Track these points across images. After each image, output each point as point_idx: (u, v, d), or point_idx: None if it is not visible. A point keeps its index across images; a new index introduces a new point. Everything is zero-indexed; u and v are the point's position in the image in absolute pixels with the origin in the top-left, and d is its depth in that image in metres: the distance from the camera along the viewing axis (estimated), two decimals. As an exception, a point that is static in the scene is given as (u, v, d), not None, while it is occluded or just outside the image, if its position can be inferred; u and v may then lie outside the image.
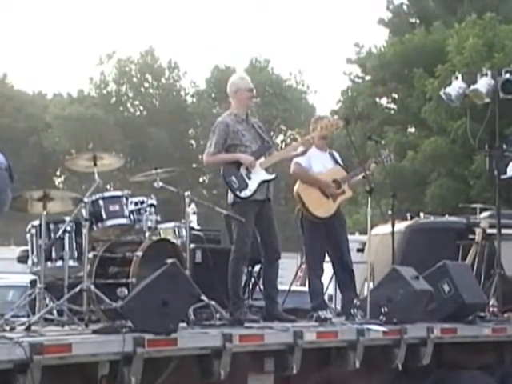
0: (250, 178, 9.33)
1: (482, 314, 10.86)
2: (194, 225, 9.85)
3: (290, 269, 13.57)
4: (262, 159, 9.43)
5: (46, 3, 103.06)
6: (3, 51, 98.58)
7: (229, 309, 8.95)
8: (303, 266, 18.58)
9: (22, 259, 9.97)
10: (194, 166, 56.04)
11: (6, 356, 6.12)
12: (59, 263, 9.02)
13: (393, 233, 12.07)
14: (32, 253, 9.39)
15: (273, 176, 9.49)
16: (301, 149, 10.18)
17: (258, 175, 9.36)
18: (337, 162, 11.11)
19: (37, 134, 58.97)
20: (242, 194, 9.32)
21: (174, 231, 9.72)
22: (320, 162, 10.89)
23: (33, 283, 9.63)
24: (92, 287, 8.49)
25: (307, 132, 11.15)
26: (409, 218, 18.39)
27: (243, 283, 9.66)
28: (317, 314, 10.02)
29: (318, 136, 10.58)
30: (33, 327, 7.77)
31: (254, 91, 9.94)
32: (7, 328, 7.68)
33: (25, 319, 8.29)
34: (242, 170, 9.34)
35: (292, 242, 21.35)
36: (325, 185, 10.70)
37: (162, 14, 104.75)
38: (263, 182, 9.39)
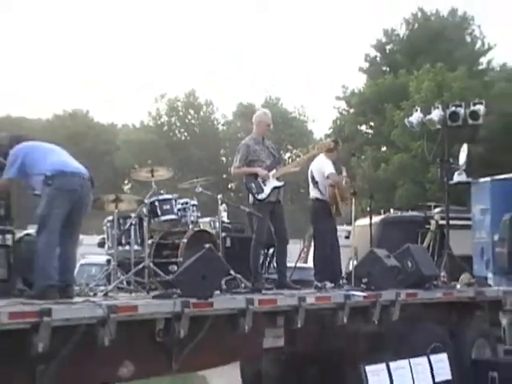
0: (265, 185, 9.34)
1: (435, 283, 10.85)
2: (225, 219, 9.85)
3: (295, 251, 13.56)
4: (274, 171, 9.43)
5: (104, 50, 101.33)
6: (87, 92, 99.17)
7: (250, 280, 8.95)
8: (305, 249, 18.69)
9: (101, 244, 10.03)
10: (224, 176, 55.95)
11: (91, 314, 6.19)
12: (127, 247, 9.10)
13: (370, 224, 12.10)
14: (107, 240, 9.46)
15: (282, 183, 9.49)
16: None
17: (271, 183, 9.37)
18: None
19: (110, 154, 59.08)
20: (259, 197, 9.34)
21: (210, 224, 9.74)
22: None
23: (108, 262, 9.67)
24: (151, 265, 8.59)
25: (307, 151, 11.24)
26: (382, 213, 18.46)
27: (261, 262, 9.66)
28: (315, 284, 10.07)
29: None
30: (109, 294, 7.91)
31: (272, 126, 9.94)
32: (91, 294, 7.81)
33: (103, 288, 8.40)
34: (259, 179, 9.35)
35: (296, 232, 21.37)
36: (344, 189, 10.78)
37: (201, 64, 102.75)
38: (275, 188, 9.40)
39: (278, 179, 9.44)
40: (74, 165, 7.34)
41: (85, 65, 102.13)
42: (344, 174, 11.04)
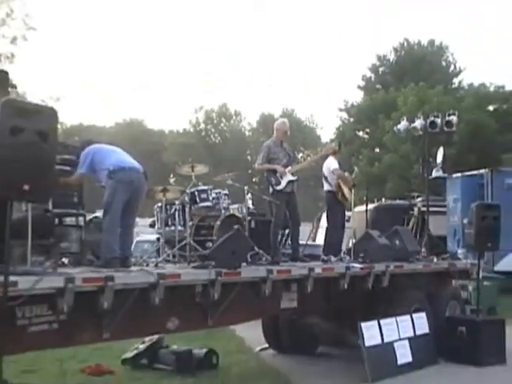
0: (282, 179, 9.30)
1: (417, 257, 10.81)
2: (250, 206, 9.82)
3: (305, 231, 13.53)
4: (289, 168, 9.40)
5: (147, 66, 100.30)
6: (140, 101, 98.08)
7: (270, 255, 8.94)
8: (314, 230, 18.66)
9: (152, 225, 10.03)
10: (249, 171, 55.88)
11: (144, 280, 6.23)
12: (172, 228, 9.08)
13: (366, 210, 12.09)
14: (157, 222, 9.48)
15: (296, 178, 9.45)
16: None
17: (287, 177, 9.33)
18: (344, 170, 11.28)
19: (159, 154, 59.19)
20: (277, 188, 9.30)
21: (238, 209, 9.70)
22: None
23: (158, 239, 9.69)
24: (191, 242, 8.57)
25: (316, 152, 11.28)
26: (376, 201, 18.38)
27: (279, 240, 9.64)
28: (322, 257, 10.08)
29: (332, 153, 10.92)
30: (159, 264, 7.93)
31: (289, 132, 9.91)
32: (144, 264, 7.85)
33: (154, 260, 8.44)
34: (277, 174, 9.34)
35: (307, 216, 21.30)
36: (349, 182, 10.93)
37: (231, 76, 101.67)
38: (290, 181, 9.36)
39: (292, 174, 9.40)
40: (131, 161, 7.37)
41: (81, 65, 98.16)
42: (346, 174, 11.22)
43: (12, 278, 4.97)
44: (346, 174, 11.21)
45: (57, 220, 7.64)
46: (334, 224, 10.92)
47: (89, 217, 8.11)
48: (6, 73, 6.63)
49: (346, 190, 10.82)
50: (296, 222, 9.59)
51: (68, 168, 7.49)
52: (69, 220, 7.94)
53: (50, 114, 5.32)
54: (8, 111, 4.95)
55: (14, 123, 4.92)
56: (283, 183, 9.29)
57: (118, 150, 7.56)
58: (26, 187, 4.92)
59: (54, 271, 5.74)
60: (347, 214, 11.44)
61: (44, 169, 5.11)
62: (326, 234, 11.08)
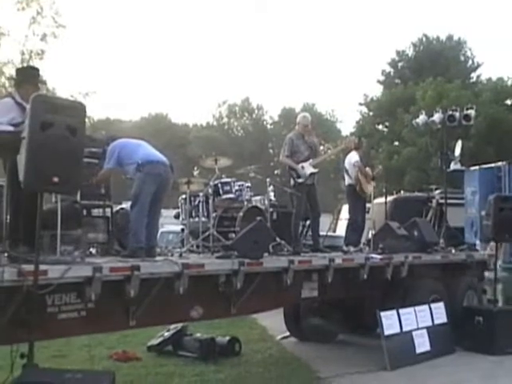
0: (303, 171, 9.30)
1: (435, 248, 10.76)
2: (272, 198, 9.81)
3: (325, 223, 13.51)
4: (311, 160, 9.38)
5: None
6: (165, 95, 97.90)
7: (292, 245, 8.93)
8: (334, 221, 18.60)
9: (176, 216, 10.05)
10: (271, 164, 55.95)
11: (169, 269, 6.24)
12: (196, 219, 9.10)
13: (385, 202, 12.04)
14: (182, 213, 9.53)
15: (317, 170, 9.41)
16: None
17: (308, 169, 9.30)
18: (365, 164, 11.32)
19: (184, 147, 59.20)
20: (299, 180, 9.27)
21: (260, 201, 9.69)
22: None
23: (182, 230, 9.73)
24: (215, 232, 8.57)
25: (336, 145, 11.30)
26: (395, 193, 18.27)
27: (300, 231, 9.62)
28: (343, 248, 10.06)
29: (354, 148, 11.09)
30: (183, 254, 7.96)
31: (310, 126, 9.87)
32: (169, 254, 7.85)
33: (178, 250, 8.46)
34: (299, 166, 9.31)
35: (327, 208, 21.25)
36: (368, 176, 11.01)
37: (254, 71, 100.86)
38: (311, 173, 9.34)
39: (313, 167, 9.39)
40: (158, 155, 7.39)
41: (108, 61, 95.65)
42: (367, 168, 11.23)
43: (42, 267, 5.02)
44: (367, 168, 11.21)
45: (85, 211, 7.69)
46: (355, 216, 10.91)
47: (115, 208, 8.15)
48: (37, 69, 6.66)
49: (364, 184, 10.84)
50: (316, 214, 9.57)
51: (95, 161, 7.54)
52: (96, 211, 7.99)
53: (79, 108, 5.35)
54: (39, 106, 4.99)
55: (44, 118, 4.96)
56: (304, 175, 9.27)
57: (144, 143, 7.58)
58: (56, 179, 4.96)
59: (83, 261, 5.78)
60: (368, 205, 11.43)
61: (73, 162, 5.14)
62: (346, 225, 11.08)
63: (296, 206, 9.29)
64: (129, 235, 7.06)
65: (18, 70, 7.04)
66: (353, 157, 11.02)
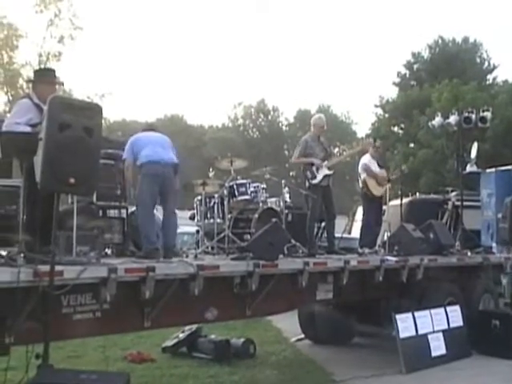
0: (318, 173, 9.26)
1: (451, 250, 10.68)
2: (287, 199, 9.78)
3: (341, 224, 13.45)
4: (326, 162, 9.34)
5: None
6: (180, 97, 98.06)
7: (307, 247, 8.90)
8: (349, 223, 18.54)
9: (192, 218, 10.04)
10: (287, 165, 55.89)
11: (184, 271, 6.24)
12: (211, 220, 9.09)
13: (401, 204, 11.92)
14: (197, 214, 9.51)
15: (332, 172, 9.38)
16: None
17: (323, 171, 9.27)
18: (381, 166, 11.36)
19: (199, 148, 59.31)
20: (314, 182, 9.25)
21: (276, 203, 9.65)
22: (374, 165, 11.12)
23: (197, 231, 9.72)
24: (230, 234, 8.56)
25: (351, 147, 11.29)
26: (410, 195, 18.16)
27: (315, 233, 9.59)
28: (358, 250, 10.02)
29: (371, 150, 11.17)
30: (198, 256, 7.90)
31: (325, 127, 9.83)
32: (184, 255, 7.82)
33: (194, 251, 8.44)
34: (314, 168, 9.27)
35: (342, 209, 21.15)
36: (381, 178, 10.98)
37: (269, 74, 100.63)
38: (326, 175, 9.30)
39: (328, 168, 9.35)
40: (160, 154, 7.31)
41: (124, 63, 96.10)
42: (383, 170, 11.27)
43: (58, 268, 5.02)
44: (383, 170, 11.21)
45: (101, 212, 7.70)
46: (369, 218, 10.88)
47: (131, 209, 8.15)
48: (54, 71, 6.68)
49: (372, 186, 10.88)
50: (332, 216, 9.53)
51: (112, 162, 7.54)
52: (112, 212, 7.99)
53: (96, 110, 5.36)
54: (56, 108, 5.00)
55: (61, 119, 4.98)
56: (319, 177, 9.24)
57: (153, 142, 7.49)
58: (72, 180, 4.97)
59: (98, 261, 5.77)
60: (383, 207, 11.38)
61: (89, 163, 5.16)
62: (360, 227, 11.05)
63: (311, 207, 9.25)
64: (141, 237, 7.07)
65: (36, 72, 7.03)
66: (362, 160, 11.12)
